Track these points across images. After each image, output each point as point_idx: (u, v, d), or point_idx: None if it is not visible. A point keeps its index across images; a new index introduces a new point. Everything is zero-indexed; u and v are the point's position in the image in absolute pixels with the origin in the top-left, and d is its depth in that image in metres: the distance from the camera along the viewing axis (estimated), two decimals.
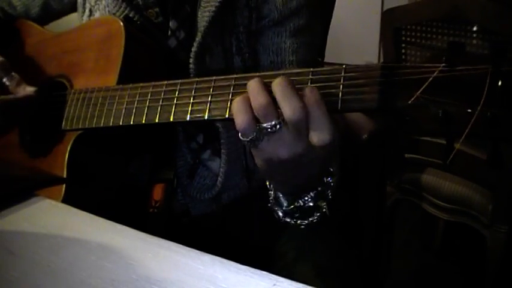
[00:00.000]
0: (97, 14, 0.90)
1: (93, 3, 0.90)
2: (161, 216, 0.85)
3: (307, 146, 0.54)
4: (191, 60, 0.80)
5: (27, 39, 0.98)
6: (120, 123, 0.72)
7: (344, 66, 0.53)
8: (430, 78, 0.48)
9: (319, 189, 0.62)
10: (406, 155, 1.56)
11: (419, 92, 0.49)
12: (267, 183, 0.64)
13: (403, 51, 1.48)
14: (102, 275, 0.51)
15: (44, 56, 0.91)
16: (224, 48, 0.83)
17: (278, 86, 0.53)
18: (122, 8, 0.84)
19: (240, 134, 0.55)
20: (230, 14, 0.82)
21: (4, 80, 0.80)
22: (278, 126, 0.53)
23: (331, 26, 1.17)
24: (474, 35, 1.32)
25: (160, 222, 0.85)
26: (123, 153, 0.84)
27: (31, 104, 0.80)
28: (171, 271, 0.51)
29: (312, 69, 0.56)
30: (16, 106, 0.79)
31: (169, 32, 0.83)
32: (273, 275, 0.49)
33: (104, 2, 0.88)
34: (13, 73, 0.81)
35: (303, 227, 0.64)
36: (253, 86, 0.54)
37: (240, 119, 0.54)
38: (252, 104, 0.54)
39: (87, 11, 0.92)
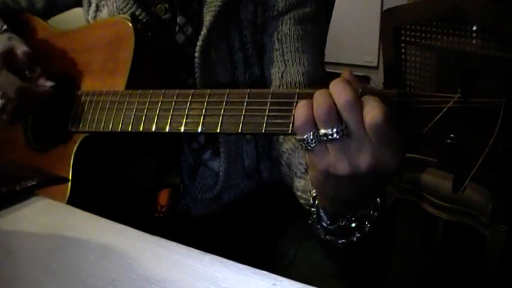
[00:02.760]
0: (104, 10, 0.89)
1: None
2: (166, 220, 0.84)
3: (373, 162, 0.50)
4: (197, 55, 0.80)
5: (33, 34, 0.96)
6: (129, 130, 0.70)
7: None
8: (444, 109, 0.49)
9: (366, 210, 0.58)
10: (406, 155, 1.55)
11: (433, 121, 0.49)
12: (311, 199, 0.61)
13: (403, 50, 1.48)
14: (102, 275, 0.51)
15: (49, 54, 0.91)
16: (229, 43, 0.83)
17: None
18: (130, 4, 0.83)
19: (296, 135, 0.52)
20: (235, 8, 0.82)
21: (26, 72, 0.84)
22: (337, 135, 0.49)
23: (330, 25, 1.17)
24: (474, 35, 1.31)
25: (165, 226, 0.84)
26: (129, 156, 0.83)
27: (45, 96, 0.83)
28: (171, 271, 0.51)
29: None
30: (32, 94, 0.82)
31: (177, 28, 0.83)
32: (273, 275, 0.49)
33: None
34: (35, 67, 0.84)
35: (340, 246, 0.61)
36: (318, 92, 0.52)
37: (299, 118, 0.51)
38: (314, 109, 0.51)
39: (93, 6, 0.92)
